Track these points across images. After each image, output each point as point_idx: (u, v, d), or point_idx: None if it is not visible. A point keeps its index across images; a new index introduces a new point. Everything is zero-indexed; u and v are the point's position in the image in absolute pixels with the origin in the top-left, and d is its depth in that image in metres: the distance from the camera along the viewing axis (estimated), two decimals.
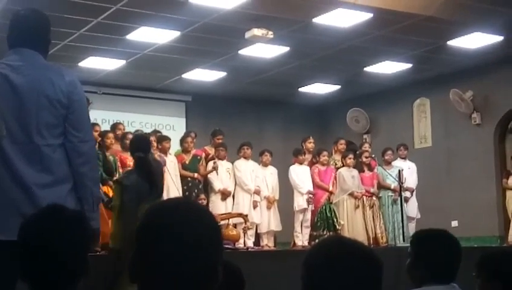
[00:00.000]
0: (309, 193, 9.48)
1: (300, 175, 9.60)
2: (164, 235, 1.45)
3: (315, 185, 9.58)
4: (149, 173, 5.81)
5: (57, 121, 3.02)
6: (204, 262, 1.46)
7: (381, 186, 9.95)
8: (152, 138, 8.55)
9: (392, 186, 9.87)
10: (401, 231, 9.55)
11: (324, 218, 9.43)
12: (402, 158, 10.44)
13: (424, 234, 2.85)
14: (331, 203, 9.55)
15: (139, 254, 1.47)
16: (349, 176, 9.61)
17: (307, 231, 9.50)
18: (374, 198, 9.77)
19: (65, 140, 3.04)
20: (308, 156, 9.97)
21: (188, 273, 1.44)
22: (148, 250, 1.45)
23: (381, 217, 9.74)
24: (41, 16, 3.20)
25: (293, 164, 9.75)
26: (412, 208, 10.15)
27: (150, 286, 1.45)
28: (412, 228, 10.00)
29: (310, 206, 9.51)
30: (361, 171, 9.83)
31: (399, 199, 9.68)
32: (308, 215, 9.53)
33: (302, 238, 9.45)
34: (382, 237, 9.61)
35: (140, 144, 6.06)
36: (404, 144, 10.78)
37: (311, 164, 9.83)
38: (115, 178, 7.15)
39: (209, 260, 1.47)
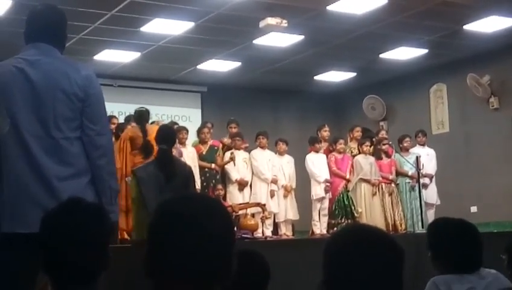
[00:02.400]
0: (326, 181, 9.47)
1: (317, 163, 9.58)
2: (177, 226, 1.46)
3: (332, 173, 9.56)
4: (167, 166, 5.76)
5: (74, 114, 3.05)
6: (217, 254, 1.47)
7: (399, 173, 9.92)
8: None
9: (410, 173, 9.82)
10: (419, 217, 9.52)
11: (342, 206, 9.42)
12: (421, 145, 10.35)
13: (441, 226, 2.84)
14: (349, 191, 9.53)
15: (152, 247, 1.48)
16: (366, 163, 9.58)
17: (324, 219, 9.49)
18: (393, 185, 9.74)
19: (82, 133, 3.07)
20: (324, 144, 9.94)
21: (201, 264, 1.45)
22: (162, 242, 1.46)
23: (400, 204, 9.71)
24: (57, 11, 3.24)
25: (309, 152, 9.73)
26: (432, 194, 10.06)
27: (164, 279, 1.46)
28: (431, 215, 9.95)
29: (328, 194, 9.50)
30: (379, 158, 9.79)
31: (417, 185, 9.63)
32: (326, 203, 9.52)
33: (320, 226, 9.45)
34: (401, 224, 9.58)
35: (165, 136, 5.98)
36: (423, 130, 10.69)
37: (327, 152, 9.80)
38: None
39: (221, 251, 1.48)
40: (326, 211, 9.49)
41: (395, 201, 9.66)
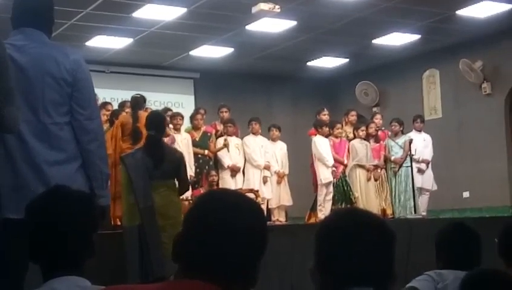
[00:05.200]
0: (334, 165, 9.33)
1: (324, 147, 9.38)
2: (212, 224, 1.47)
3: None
4: (156, 152, 5.72)
5: (63, 99, 3.05)
6: (243, 257, 1.48)
7: (386, 159, 9.90)
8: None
9: (392, 159, 9.78)
10: (402, 202, 9.54)
11: (341, 191, 9.34)
12: (417, 130, 10.16)
13: (444, 227, 3.10)
14: (346, 176, 9.49)
15: (185, 237, 1.49)
16: (362, 148, 9.56)
17: (329, 205, 9.27)
18: (379, 170, 9.72)
19: (72, 118, 3.07)
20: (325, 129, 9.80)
21: (225, 263, 1.46)
22: (195, 236, 1.48)
23: (387, 189, 9.72)
24: None
25: (314, 135, 9.51)
26: (428, 180, 9.94)
27: (191, 268, 1.47)
28: (425, 200, 9.91)
29: (334, 179, 9.41)
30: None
31: (401, 170, 9.62)
32: (331, 188, 9.35)
33: (325, 212, 9.28)
34: (388, 209, 9.58)
35: (154, 122, 5.93)
36: (420, 115, 10.62)
37: (326, 136, 9.70)
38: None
39: (249, 256, 1.49)
40: (331, 196, 9.30)
41: (383, 186, 9.66)
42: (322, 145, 9.38)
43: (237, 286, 1.48)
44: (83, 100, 3.08)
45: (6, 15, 3.30)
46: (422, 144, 9.93)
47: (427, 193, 10.01)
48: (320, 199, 9.34)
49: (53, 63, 3.03)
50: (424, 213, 9.68)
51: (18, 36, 3.08)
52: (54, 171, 2.97)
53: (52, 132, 3.02)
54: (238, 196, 1.56)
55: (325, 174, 9.31)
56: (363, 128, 9.72)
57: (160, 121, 6.02)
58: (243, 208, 1.51)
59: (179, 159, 5.98)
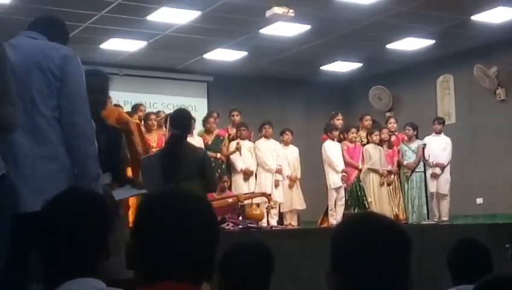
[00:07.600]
0: (344, 171, 9.34)
1: (334, 152, 9.40)
2: (161, 226, 1.49)
3: (345, 162, 9.40)
4: (173, 152, 5.40)
5: (50, 91, 3.03)
6: (201, 250, 1.50)
7: (399, 164, 9.84)
8: None
9: (405, 163, 9.73)
10: (415, 207, 9.48)
11: (355, 197, 9.31)
12: (436, 133, 9.94)
13: (455, 245, 3.18)
14: (360, 181, 9.46)
15: (139, 244, 1.51)
16: (375, 152, 9.54)
17: (341, 209, 9.27)
18: (392, 176, 9.68)
19: (60, 114, 3.04)
20: (336, 133, 9.80)
21: (185, 259, 1.48)
22: (142, 241, 1.50)
23: (400, 194, 9.67)
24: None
25: (324, 140, 9.51)
26: (444, 184, 9.70)
27: (145, 273, 1.48)
28: (445, 205, 9.70)
29: (344, 184, 9.41)
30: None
31: (413, 175, 9.56)
32: (342, 193, 9.34)
33: (336, 216, 9.22)
34: (401, 215, 9.54)
35: (177, 120, 5.60)
36: (440, 117, 10.51)
37: (338, 141, 9.68)
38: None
39: (205, 247, 1.51)
40: (343, 201, 9.30)
41: (396, 191, 9.62)
42: (332, 150, 9.40)
43: (200, 278, 1.51)
44: (70, 95, 3.05)
45: (19, 17, 3.37)
46: (440, 146, 9.76)
47: (446, 198, 9.71)
48: (330, 203, 9.35)
49: (41, 54, 3.05)
50: (446, 218, 9.54)
51: (17, 37, 3.16)
52: (37, 166, 2.92)
53: (39, 126, 2.99)
54: (181, 195, 1.57)
55: (334, 179, 9.34)
56: (377, 133, 9.70)
57: (182, 120, 5.62)
58: (190, 206, 1.53)
59: (202, 158, 5.52)
